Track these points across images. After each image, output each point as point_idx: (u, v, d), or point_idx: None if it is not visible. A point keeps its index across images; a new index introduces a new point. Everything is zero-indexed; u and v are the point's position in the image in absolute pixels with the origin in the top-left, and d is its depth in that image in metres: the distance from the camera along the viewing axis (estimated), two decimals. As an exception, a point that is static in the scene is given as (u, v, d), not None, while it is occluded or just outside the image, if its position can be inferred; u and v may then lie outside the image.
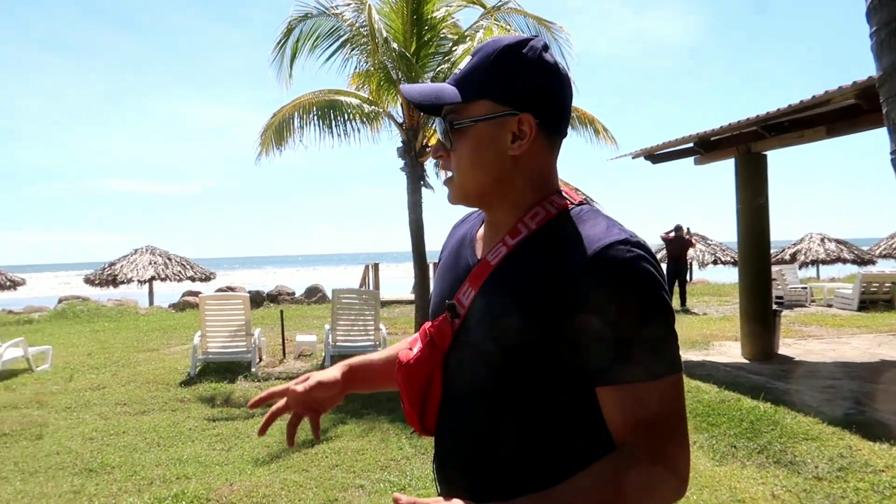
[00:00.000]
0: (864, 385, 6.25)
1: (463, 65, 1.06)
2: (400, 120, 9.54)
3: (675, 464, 0.92)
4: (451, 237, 1.26)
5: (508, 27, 9.08)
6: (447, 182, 1.11)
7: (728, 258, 20.96)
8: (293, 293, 18.30)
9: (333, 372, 1.28)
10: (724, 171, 12.52)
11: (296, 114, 9.62)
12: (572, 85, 1.09)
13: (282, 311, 10.86)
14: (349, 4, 9.00)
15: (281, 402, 1.27)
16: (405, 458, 4.70)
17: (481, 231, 1.14)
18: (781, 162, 51.18)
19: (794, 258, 20.42)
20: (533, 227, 1.02)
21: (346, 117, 9.72)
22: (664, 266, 14.14)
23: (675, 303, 13.51)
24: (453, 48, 8.97)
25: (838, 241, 21.23)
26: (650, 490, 0.90)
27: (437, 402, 1.08)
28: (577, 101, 15.02)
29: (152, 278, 19.32)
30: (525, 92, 1.01)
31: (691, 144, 8.36)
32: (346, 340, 8.13)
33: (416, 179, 9.33)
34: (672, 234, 13.75)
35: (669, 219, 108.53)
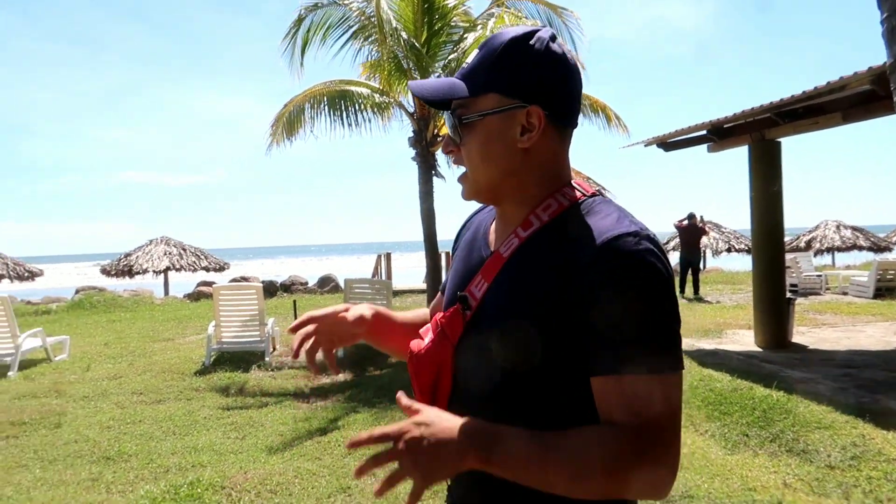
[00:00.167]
0: (879, 373, 6.20)
1: (470, 58, 1.06)
2: (411, 110, 9.51)
3: (667, 451, 0.89)
4: (465, 228, 1.26)
5: (519, 14, 9.01)
6: (461, 178, 1.11)
7: (742, 246, 20.82)
8: (306, 283, 18.44)
9: (365, 311, 1.26)
10: (737, 158, 12.44)
11: (307, 104, 9.61)
12: (582, 74, 1.08)
13: (295, 301, 10.94)
14: (358, -7, 8.97)
15: (310, 328, 1.22)
16: (417, 446, 4.72)
17: (494, 223, 1.15)
18: (796, 149, 50.65)
19: (809, 245, 20.24)
20: (545, 219, 1.03)
21: (357, 107, 9.70)
22: (677, 254, 14.09)
23: (689, 291, 13.45)
24: (464, 36, 8.91)
25: (854, 228, 21.01)
26: (641, 465, 0.88)
27: (448, 393, 1.08)
28: (590, 89, 14.90)
29: (167, 269, 19.55)
30: (532, 84, 1.01)
31: (704, 132, 8.29)
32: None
33: (427, 169, 9.31)
34: (685, 223, 13.67)
35: (682, 207, 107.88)
